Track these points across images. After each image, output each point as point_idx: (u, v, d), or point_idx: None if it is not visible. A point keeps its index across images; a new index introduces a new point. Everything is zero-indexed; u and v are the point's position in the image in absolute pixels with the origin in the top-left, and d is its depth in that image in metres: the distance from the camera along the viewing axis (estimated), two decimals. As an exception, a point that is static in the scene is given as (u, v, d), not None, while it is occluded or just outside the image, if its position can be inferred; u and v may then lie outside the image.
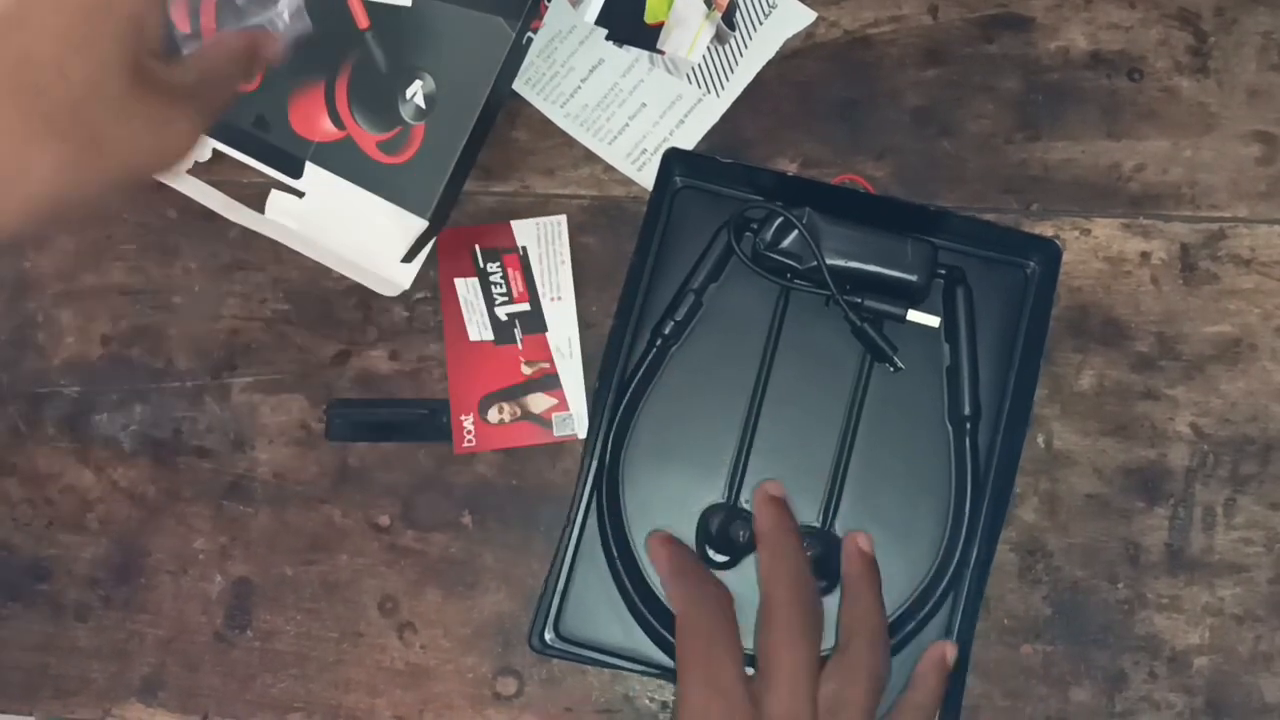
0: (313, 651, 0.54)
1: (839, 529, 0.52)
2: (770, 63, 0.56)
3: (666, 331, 0.53)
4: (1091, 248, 0.55)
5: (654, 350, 0.53)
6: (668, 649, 0.51)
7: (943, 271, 0.52)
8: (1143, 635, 0.53)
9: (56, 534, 0.55)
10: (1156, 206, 0.55)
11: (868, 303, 0.52)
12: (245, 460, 0.55)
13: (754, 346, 0.53)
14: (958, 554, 0.51)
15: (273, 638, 0.54)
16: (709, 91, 0.56)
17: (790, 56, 0.56)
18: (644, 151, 0.56)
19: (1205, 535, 0.53)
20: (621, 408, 0.52)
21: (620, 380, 0.53)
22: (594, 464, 0.52)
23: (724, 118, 0.56)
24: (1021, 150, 0.55)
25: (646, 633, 0.51)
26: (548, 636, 0.51)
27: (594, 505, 0.52)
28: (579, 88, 0.56)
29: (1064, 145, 0.55)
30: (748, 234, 0.53)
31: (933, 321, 0.52)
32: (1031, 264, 0.53)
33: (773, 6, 0.56)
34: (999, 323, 0.53)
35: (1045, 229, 0.55)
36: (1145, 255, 0.55)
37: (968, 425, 0.52)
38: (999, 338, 0.53)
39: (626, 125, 0.56)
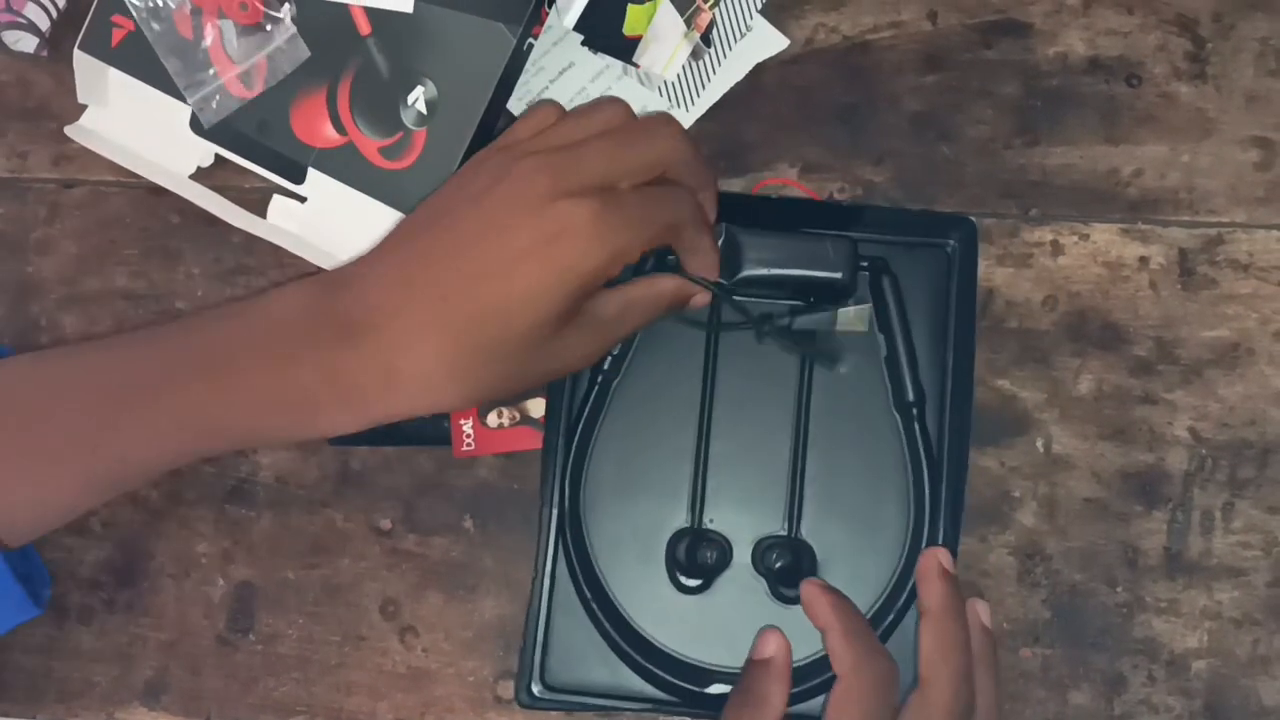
0: (315, 655, 0.55)
1: (805, 533, 0.52)
2: (771, 67, 0.56)
3: (605, 367, 0.53)
4: (1090, 253, 0.55)
5: (596, 388, 0.52)
6: (655, 682, 0.51)
7: (865, 264, 0.53)
8: (1141, 639, 0.53)
9: (60, 537, 0.55)
10: (1155, 211, 0.55)
11: (796, 324, 0.52)
12: (247, 464, 0.56)
13: (694, 368, 0.53)
14: (925, 538, 0.51)
15: (275, 641, 0.55)
16: (678, 105, 0.56)
17: (790, 61, 0.56)
18: None
19: (1203, 539, 0.53)
20: (573, 450, 0.52)
21: (568, 423, 0.52)
22: (554, 511, 0.52)
23: (723, 123, 0.56)
24: (1020, 155, 0.56)
25: (632, 668, 0.51)
26: (535, 690, 0.51)
27: (560, 551, 0.52)
28: (547, 88, 0.56)
29: (1062, 150, 0.56)
30: (672, 258, 0.51)
31: (863, 311, 0.52)
32: (951, 242, 0.54)
33: (748, 29, 0.56)
34: (928, 304, 0.53)
35: (1044, 234, 0.55)
36: (1144, 260, 0.55)
37: (914, 410, 0.52)
38: (931, 319, 0.53)
39: None
